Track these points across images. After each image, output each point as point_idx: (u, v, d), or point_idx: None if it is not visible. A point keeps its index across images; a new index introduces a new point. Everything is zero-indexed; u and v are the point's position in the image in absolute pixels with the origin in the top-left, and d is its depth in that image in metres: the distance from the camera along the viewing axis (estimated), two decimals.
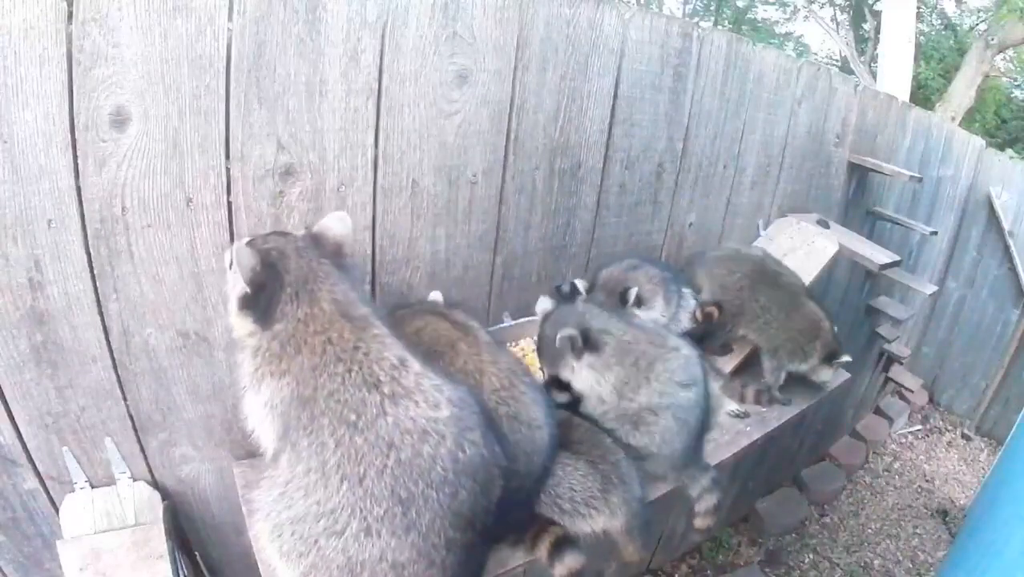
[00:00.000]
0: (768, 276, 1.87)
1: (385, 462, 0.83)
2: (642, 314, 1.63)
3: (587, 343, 1.27)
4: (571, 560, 1.10)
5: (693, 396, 1.30)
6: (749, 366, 1.88)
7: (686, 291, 1.83)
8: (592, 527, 1.13)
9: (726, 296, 1.83)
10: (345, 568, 0.84)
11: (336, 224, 1.04)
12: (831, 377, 1.85)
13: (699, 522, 1.46)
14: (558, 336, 1.27)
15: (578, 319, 1.31)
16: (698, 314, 1.83)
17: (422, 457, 0.85)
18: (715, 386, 1.58)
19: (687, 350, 1.35)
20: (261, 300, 0.94)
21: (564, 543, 1.11)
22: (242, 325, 0.96)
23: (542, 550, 1.10)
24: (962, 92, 6.66)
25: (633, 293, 1.59)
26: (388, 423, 0.85)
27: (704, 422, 1.37)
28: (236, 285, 0.95)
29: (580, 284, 1.64)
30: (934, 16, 9.02)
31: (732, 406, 1.66)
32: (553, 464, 1.15)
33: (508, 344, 1.58)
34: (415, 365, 0.92)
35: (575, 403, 1.33)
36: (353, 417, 0.85)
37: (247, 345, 0.96)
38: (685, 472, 1.37)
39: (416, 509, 0.83)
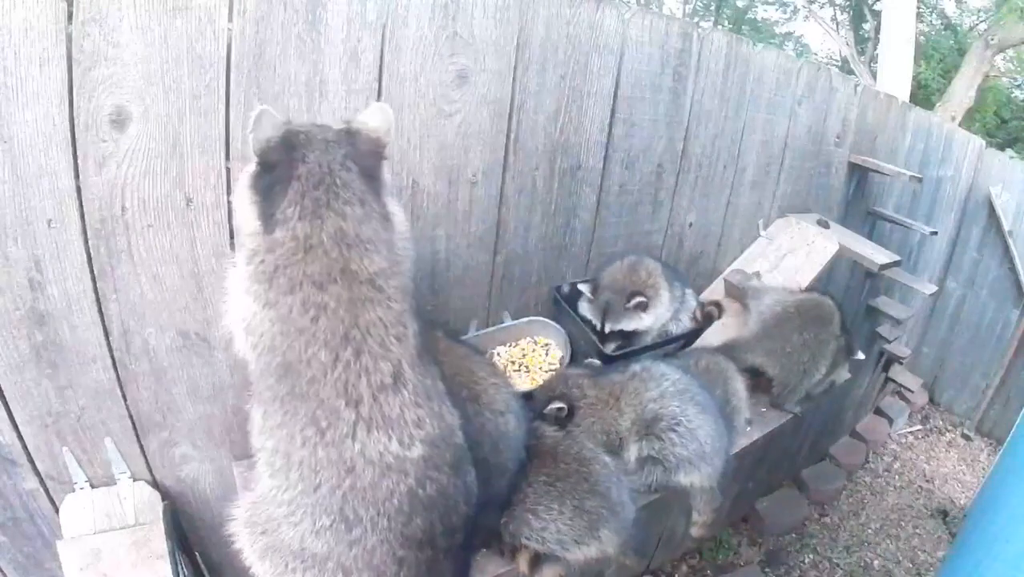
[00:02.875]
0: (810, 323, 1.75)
1: (340, 483, 0.80)
2: (647, 315, 1.64)
3: (570, 413, 1.30)
4: (550, 572, 1.10)
5: (671, 384, 1.30)
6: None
7: (688, 291, 1.83)
8: (583, 556, 1.12)
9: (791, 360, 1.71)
10: (299, 555, 0.83)
11: (375, 117, 0.89)
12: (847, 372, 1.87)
13: (695, 531, 1.48)
14: (546, 410, 1.30)
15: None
16: (698, 314, 1.84)
17: (379, 489, 0.81)
18: (740, 387, 1.57)
19: (638, 366, 1.36)
20: (268, 185, 0.83)
21: (542, 557, 1.10)
22: (250, 218, 0.84)
23: (522, 563, 1.10)
24: (962, 92, 6.65)
25: (638, 300, 1.60)
26: (355, 449, 0.80)
27: (717, 404, 1.37)
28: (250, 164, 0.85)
29: (584, 288, 1.65)
30: (934, 16, 9.01)
31: (746, 413, 1.64)
32: (525, 467, 1.12)
33: (508, 344, 1.58)
34: (407, 386, 0.84)
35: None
36: (324, 424, 0.80)
37: (246, 245, 0.85)
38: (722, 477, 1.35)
39: (361, 530, 0.81)
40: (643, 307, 1.62)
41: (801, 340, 1.70)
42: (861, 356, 1.81)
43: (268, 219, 0.82)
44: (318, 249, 0.80)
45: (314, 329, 0.80)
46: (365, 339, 0.81)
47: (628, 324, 1.62)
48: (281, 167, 0.83)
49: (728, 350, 1.70)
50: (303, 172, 0.82)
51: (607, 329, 1.61)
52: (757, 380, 1.70)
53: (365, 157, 0.87)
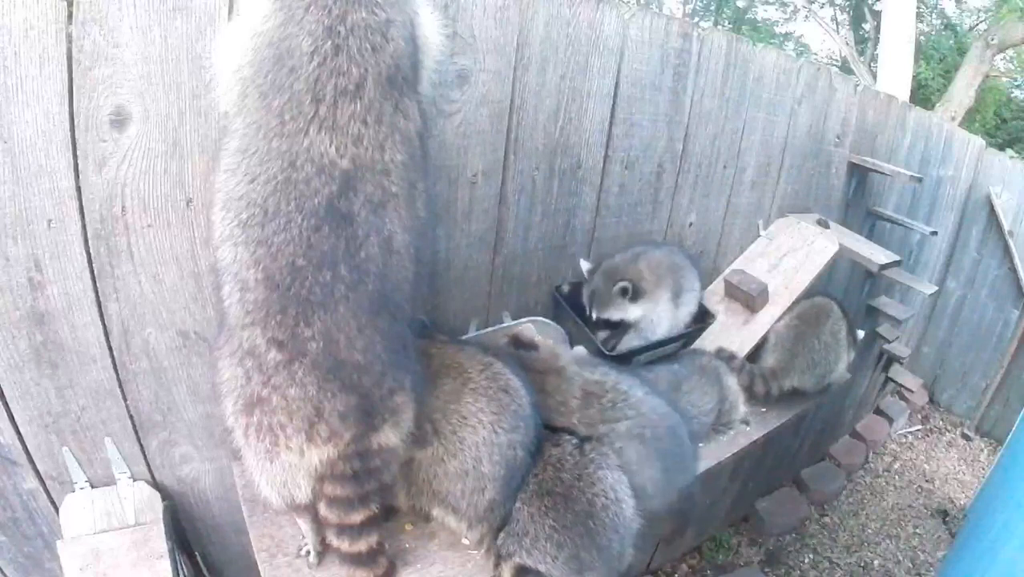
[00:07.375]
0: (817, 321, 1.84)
1: (277, 174, 0.84)
2: (640, 308, 1.62)
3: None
4: None
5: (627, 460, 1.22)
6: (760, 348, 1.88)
7: (694, 289, 1.80)
8: None
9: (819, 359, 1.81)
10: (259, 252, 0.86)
11: None
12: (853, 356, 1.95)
13: None
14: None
15: None
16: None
17: (308, 186, 0.83)
18: (732, 380, 1.57)
19: (621, 409, 1.29)
20: None
21: (526, 571, 1.10)
22: None
23: (506, 573, 1.10)
24: (962, 92, 6.66)
25: (622, 285, 1.57)
26: (303, 144, 0.84)
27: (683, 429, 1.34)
28: None
29: (584, 265, 1.65)
30: (934, 16, 9.02)
31: (742, 409, 1.63)
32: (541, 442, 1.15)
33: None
34: (363, 100, 0.86)
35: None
36: (287, 117, 0.83)
37: None
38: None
39: (275, 226, 0.83)
40: (628, 293, 1.57)
41: (822, 343, 1.78)
42: (860, 333, 1.94)
43: None
44: None
45: (304, 17, 0.83)
46: (347, 38, 0.84)
47: (614, 313, 1.58)
48: None
49: (757, 376, 1.74)
50: None
51: (593, 317, 1.58)
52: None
53: None
